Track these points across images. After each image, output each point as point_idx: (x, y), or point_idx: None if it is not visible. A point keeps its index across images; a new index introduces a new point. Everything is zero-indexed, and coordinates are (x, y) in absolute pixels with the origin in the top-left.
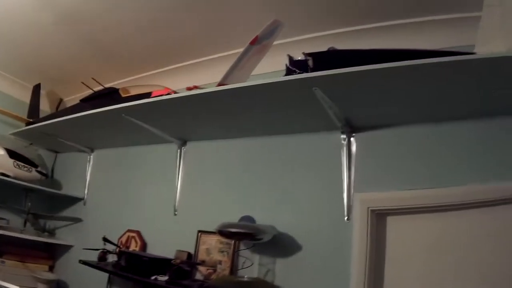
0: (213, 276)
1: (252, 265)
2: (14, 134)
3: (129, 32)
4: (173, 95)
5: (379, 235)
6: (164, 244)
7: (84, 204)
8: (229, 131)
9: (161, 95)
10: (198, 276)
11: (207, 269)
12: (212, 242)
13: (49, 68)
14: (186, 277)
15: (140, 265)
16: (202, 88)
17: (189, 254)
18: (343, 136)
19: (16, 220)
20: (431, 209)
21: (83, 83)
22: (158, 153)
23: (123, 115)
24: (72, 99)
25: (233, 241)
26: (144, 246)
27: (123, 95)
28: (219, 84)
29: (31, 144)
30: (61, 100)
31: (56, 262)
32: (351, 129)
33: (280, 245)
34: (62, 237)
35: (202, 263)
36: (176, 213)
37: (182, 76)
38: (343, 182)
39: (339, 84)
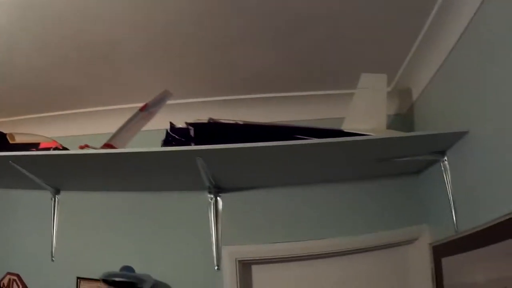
0: None
1: None
2: None
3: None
4: (68, 152)
5: (246, 281)
6: None
7: None
8: (107, 185)
9: (50, 148)
10: None
11: None
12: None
13: None
14: None
15: None
16: (93, 148)
17: None
18: (211, 195)
19: None
20: (289, 259)
21: None
22: (32, 200)
23: (10, 162)
24: None
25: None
26: None
27: (11, 142)
28: (107, 144)
29: None
30: None
31: None
32: (218, 189)
33: None
34: None
35: None
36: (53, 259)
37: (47, 124)
38: (211, 235)
39: (220, 155)
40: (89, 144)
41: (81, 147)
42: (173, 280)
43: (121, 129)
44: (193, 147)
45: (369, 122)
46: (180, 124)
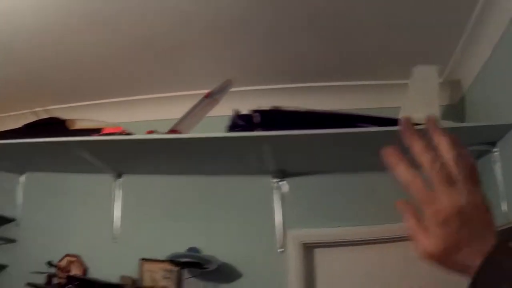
0: None
1: None
2: None
3: (66, 63)
4: (136, 137)
5: (308, 264)
6: (105, 270)
7: (17, 225)
8: (171, 169)
9: (115, 133)
10: None
11: None
12: (155, 269)
13: None
14: None
15: None
16: (159, 133)
17: (133, 280)
18: (275, 180)
19: None
20: (352, 243)
21: (31, 111)
22: (95, 183)
23: (70, 147)
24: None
25: (177, 269)
26: (85, 271)
27: (71, 128)
28: (173, 129)
29: None
30: None
31: None
32: (282, 174)
33: (223, 273)
34: None
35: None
36: (115, 241)
37: (110, 111)
38: (276, 219)
39: (285, 141)
40: (155, 130)
41: (148, 132)
42: (237, 262)
43: (186, 115)
44: (261, 133)
45: (423, 112)
46: (243, 111)
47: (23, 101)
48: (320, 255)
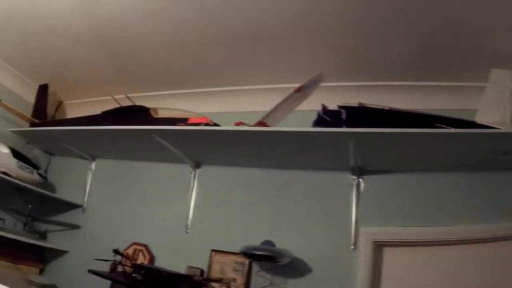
0: None
1: (269, 285)
2: (15, 132)
3: (156, 52)
4: (225, 128)
5: (377, 263)
6: (174, 259)
7: (83, 211)
8: (249, 161)
9: (200, 123)
10: None
11: (221, 286)
12: (226, 261)
13: (56, 69)
14: None
15: (157, 279)
16: (247, 125)
17: (202, 271)
18: (354, 177)
19: (8, 219)
20: (422, 243)
21: (113, 97)
22: (172, 172)
23: (153, 135)
24: (73, 103)
25: (248, 262)
26: (152, 260)
27: (155, 116)
28: (261, 122)
29: (27, 143)
30: (60, 103)
31: (46, 266)
32: (360, 171)
33: (293, 268)
34: (55, 242)
35: (220, 280)
36: (188, 231)
37: (192, 101)
38: (351, 216)
39: (371, 138)
40: (244, 121)
41: (237, 124)
42: (308, 257)
43: (275, 109)
44: (351, 130)
45: (495, 116)
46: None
47: (106, 87)
48: (389, 254)
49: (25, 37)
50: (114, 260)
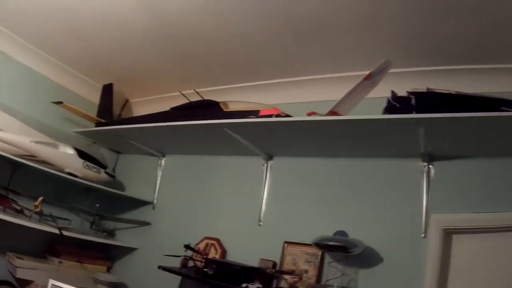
0: (299, 285)
1: (341, 276)
2: (79, 132)
3: (223, 46)
4: (298, 118)
5: (446, 250)
6: (246, 252)
7: (153, 208)
8: (318, 151)
9: (271, 115)
10: (283, 284)
11: (293, 278)
12: (298, 252)
13: (120, 69)
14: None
15: (229, 273)
16: (320, 115)
17: (274, 263)
18: (424, 163)
19: (75, 219)
20: (492, 230)
21: (181, 92)
22: (244, 165)
23: (224, 129)
24: (139, 101)
25: (320, 253)
26: (224, 253)
27: (225, 110)
28: (332, 111)
29: (94, 143)
30: (127, 101)
31: (114, 264)
32: (430, 158)
33: (364, 257)
34: (124, 239)
35: (292, 272)
36: (260, 223)
37: (261, 93)
38: (422, 203)
39: (442, 124)
40: (315, 111)
41: (309, 114)
42: (379, 246)
43: (345, 97)
44: (422, 115)
45: None
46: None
47: (172, 83)
48: (458, 241)
49: (86, 39)
50: (185, 256)
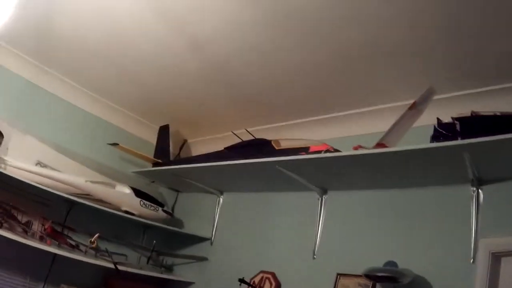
0: None
1: None
2: (137, 172)
3: (272, 85)
4: (345, 153)
5: (495, 274)
6: (300, 285)
7: (211, 244)
8: (368, 183)
9: (321, 151)
10: None
11: None
12: (351, 284)
13: (176, 110)
14: None
15: None
16: (366, 148)
17: None
18: (473, 188)
19: (132, 255)
20: None
21: (233, 132)
22: (299, 201)
23: (276, 166)
24: (196, 141)
25: (371, 283)
26: (278, 286)
27: (277, 148)
28: (379, 143)
29: (152, 182)
30: (185, 141)
31: None
32: (479, 182)
33: (414, 286)
34: (181, 274)
35: None
36: (315, 257)
37: (308, 129)
38: (471, 229)
39: (487, 148)
40: (362, 145)
41: (355, 148)
42: (430, 274)
43: (392, 129)
44: (464, 141)
45: None
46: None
47: (226, 123)
48: (506, 264)
49: (141, 82)
50: None
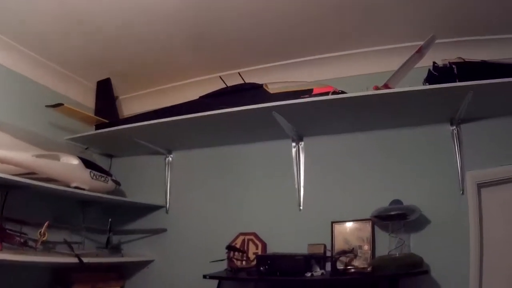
0: (354, 262)
1: (402, 244)
2: (71, 139)
3: (241, 24)
4: (358, 94)
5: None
6: (289, 241)
7: (167, 212)
8: (352, 127)
9: (327, 93)
10: (339, 265)
11: (347, 256)
12: (348, 230)
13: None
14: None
15: (290, 265)
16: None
17: (324, 246)
18: (453, 127)
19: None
20: None
21: (220, 77)
22: (273, 151)
23: (273, 112)
24: (128, 97)
25: (370, 226)
26: (264, 246)
27: (272, 92)
28: (385, 84)
29: (86, 148)
30: (116, 98)
31: (126, 282)
32: (460, 121)
33: (413, 222)
34: (136, 253)
35: (352, 250)
36: (300, 208)
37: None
38: (457, 163)
39: (487, 91)
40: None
41: (375, 88)
42: (426, 209)
43: (399, 70)
44: (472, 83)
45: None
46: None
47: (203, 67)
48: (487, 194)
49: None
50: (231, 258)
